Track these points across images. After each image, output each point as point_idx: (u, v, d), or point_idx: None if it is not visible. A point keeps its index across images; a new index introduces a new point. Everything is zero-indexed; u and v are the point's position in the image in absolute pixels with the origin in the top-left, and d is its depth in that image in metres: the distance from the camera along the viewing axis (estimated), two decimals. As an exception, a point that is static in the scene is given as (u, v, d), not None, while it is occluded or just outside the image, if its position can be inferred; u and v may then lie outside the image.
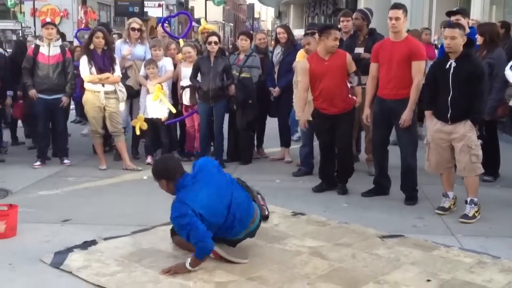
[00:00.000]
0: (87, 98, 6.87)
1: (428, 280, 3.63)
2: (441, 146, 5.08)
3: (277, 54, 7.49)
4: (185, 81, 7.22)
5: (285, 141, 7.55)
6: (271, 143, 7.94)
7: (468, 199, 4.98)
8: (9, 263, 3.94)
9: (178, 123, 7.58)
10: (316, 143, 6.70)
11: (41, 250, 4.15)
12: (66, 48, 7.33)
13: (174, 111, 7.21)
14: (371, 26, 6.83)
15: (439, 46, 7.36)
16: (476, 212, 4.94)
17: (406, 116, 5.33)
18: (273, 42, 8.49)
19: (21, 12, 34.70)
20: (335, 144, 5.94)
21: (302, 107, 6.06)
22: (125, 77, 7.30)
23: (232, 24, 75.26)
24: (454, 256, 4.06)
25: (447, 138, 5.02)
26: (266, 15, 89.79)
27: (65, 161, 7.25)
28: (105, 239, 4.39)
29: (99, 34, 6.81)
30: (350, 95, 5.82)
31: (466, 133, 4.90)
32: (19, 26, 34.64)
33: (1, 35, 9.01)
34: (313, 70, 5.84)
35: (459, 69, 4.87)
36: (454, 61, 4.91)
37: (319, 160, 6.19)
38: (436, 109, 5.09)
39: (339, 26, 7.13)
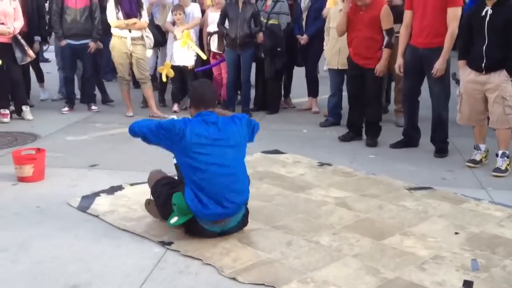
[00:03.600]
0: (113, 44, 6.82)
1: (456, 233, 3.55)
2: (474, 97, 4.92)
3: (305, 0, 7.28)
4: (212, 27, 7.09)
5: (313, 91, 7.41)
6: (298, 93, 7.83)
7: (500, 152, 4.84)
8: (37, 205, 4.00)
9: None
10: (345, 93, 6.57)
11: (69, 194, 4.20)
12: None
13: (204, 57, 7.11)
14: None
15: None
16: (508, 165, 4.81)
17: (439, 65, 5.14)
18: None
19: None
20: (363, 94, 5.82)
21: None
22: (152, 24, 7.22)
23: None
24: (484, 209, 3.97)
25: (480, 88, 4.85)
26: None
27: (93, 107, 7.29)
28: (132, 184, 4.41)
29: (126, -22, 6.70)
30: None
31: (501, 83, 4.73)
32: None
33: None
34: (349, 17, 5.71)
35: (496, 16, 4.66)
36: (491, 8, 4.69)
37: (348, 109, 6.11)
38: (470, 59, 4.90)
39: None
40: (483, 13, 4.73)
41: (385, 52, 5.62)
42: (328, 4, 6.86)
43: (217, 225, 3.42)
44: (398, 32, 5.69)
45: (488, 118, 4.97)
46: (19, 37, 6.53)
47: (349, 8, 5.68)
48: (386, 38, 5.60)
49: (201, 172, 3.34)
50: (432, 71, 5.19)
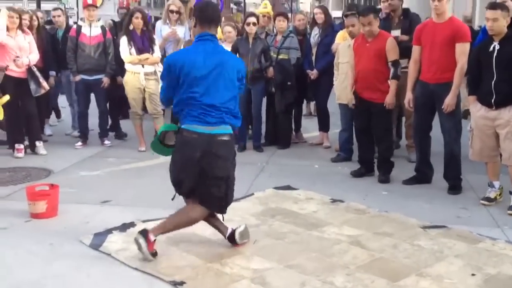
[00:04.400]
0: (127, 79, 6.90)
1: (473, 274, 3.50)
2: (485, 133, 4.90)
3: (314, 35, 7.38)
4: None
5: (324, 126, 7.43)
6: (309, 127, 7.84)
7: (514, 190, 4.80)
8: (50, 242, 4.00)
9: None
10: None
11: (81, 231, 4.20)
12: (106, 29, 7.37)
13: None
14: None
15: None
16: (523, 203, 4.76)
17: (449, 101, 5.14)
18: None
19: (64, -6, 35.00)
20: (370, 128, 5.80)
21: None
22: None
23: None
24: (500, 249, 3.92)
25: (491, 124, 4.83)
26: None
27: (106, 142, 7.33)
28: (144, 221, 4.39)
29: (138, 14, 6.85)
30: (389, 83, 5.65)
31: (511, 119, 4.71)
32: (62, 8, 34.85)
33: (45, 16, 9.10)
34: (355, 50, 5.76)
35: (503, 51, 4.68)
36: (498, 44, 4.71)
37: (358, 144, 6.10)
38: (479, 94, 4.90)
39: (379, 7, 6.95)
40: (491, 49, 4.75)
41: (392, 83, 5.61)
42: (337, 40, 6.92)
43: (204, 128, 3.64)
44: (404, 68, 5.72)
45: (501, 155, 4.94)
46: (34, 69, 6.61)
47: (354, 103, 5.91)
48: (392, 70, 5.59)
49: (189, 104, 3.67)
50: (442, 107, 5.19)
